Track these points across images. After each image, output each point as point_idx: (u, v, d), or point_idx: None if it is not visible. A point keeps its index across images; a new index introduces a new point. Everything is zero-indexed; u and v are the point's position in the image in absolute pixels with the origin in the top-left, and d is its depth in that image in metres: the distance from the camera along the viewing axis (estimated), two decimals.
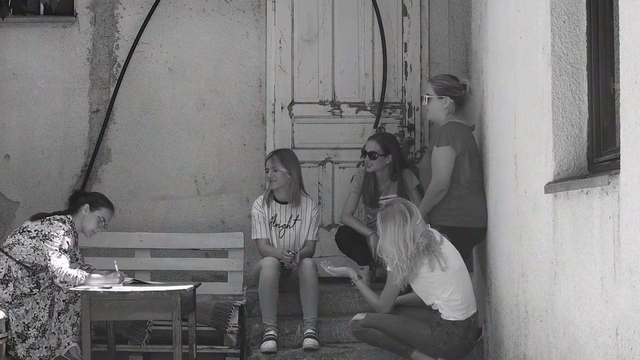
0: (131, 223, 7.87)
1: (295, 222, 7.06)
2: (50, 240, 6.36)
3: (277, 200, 7.09)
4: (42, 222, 6.47)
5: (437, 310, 5.94)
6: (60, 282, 6.30)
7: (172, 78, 7.96)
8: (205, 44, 7.97)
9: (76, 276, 6.29)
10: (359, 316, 6.11)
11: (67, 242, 6.43)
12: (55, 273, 6.29)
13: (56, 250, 6.35)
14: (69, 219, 6.56)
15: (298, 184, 7.06)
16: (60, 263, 6.31)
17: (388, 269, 5.94)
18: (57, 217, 6.52)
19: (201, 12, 7.97)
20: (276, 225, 7.06)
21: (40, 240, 6.38)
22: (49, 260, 6.32)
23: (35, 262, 6.42)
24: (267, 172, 7.08)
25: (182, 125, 7.96)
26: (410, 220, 5.84)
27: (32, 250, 6.41)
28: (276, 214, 7.07)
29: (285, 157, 7.06)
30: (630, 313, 3.51)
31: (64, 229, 6.43)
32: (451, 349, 5.94)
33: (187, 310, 6.45)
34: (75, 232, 6.58)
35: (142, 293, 6.19)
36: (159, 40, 7.97)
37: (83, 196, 6.77)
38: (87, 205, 6.64)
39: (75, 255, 6.64)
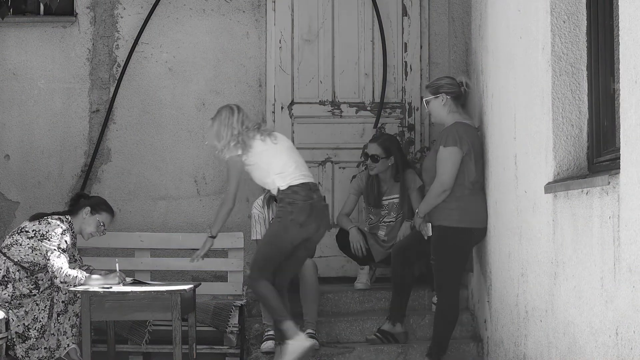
0: (131, 223, 7.87)
1: None
2: (49, 240, 6.35)
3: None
4: (39, 222, 6.45)
5: (277, 190, 6.24)
6: (61, 282, 6.28)
7: (172, 78, 7.96)
8: (205, 44, 7.96)
9: (76, 276, 6.28)
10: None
11: (66, 242, 6.41)
12: (56, 273, 6.28)
13: (55, 249, 6.33)
14: (67, 219, 6.54)
15: None
16: (60, 263, 6.29)
17: (227, 159, 6.28)
18: (55, 216, 6.51)
19: (201, 12, 7.97)
20: None
21: (38, 240, 6.36)
22: (49, 260, 6.30)
23: (34, 261, 6.40)
24: None
25: (182, 125, 7.96)
26: (238, 112, 6.32)
27: (30, 250, 6.40)
28: None
29: None
30: (630, 313, 3.51)
31: (62, 228, 6.41)
32: (300, 213, 6.16)
33: (187, 310, 6.45)
34: (73, 232, 6.57)
35: (142, 293, 6.19)
36: (159, 40, 7.97)
37: (85, 199, 6.74)
38: (88, 208, 6.60)
39: (73, 255, 6.62)
